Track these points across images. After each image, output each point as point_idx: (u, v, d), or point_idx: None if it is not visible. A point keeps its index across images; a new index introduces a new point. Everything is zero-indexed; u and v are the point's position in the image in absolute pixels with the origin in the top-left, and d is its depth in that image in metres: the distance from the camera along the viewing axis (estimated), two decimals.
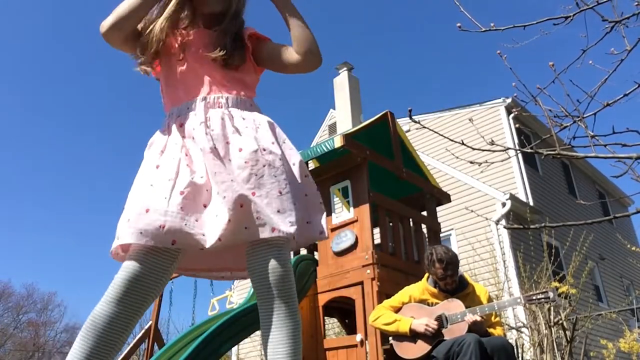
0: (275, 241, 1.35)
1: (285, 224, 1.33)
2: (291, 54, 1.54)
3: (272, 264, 1.33)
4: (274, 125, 1.52)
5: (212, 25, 1.59)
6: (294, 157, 1.48)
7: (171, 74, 1.55)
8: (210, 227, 1.31)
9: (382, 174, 4.61)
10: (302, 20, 1.55)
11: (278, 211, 1.34)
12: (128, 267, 1.30)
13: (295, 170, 1.46)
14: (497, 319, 3.26)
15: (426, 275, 3.34)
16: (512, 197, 10.02)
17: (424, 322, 3.04)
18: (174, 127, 1.46)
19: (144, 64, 1.56)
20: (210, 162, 1.37)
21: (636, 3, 1.64)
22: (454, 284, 3.18)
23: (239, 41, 1.56)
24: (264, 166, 1.38)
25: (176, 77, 1.54)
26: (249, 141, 1.41)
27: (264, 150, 1.41)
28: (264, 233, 1.31)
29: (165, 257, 1.32)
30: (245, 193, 1.33)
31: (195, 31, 1.58)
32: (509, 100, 11.58)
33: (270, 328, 1.34)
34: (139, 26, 1.53)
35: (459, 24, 1.75)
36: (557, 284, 5.13)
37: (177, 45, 1.54)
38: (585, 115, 1.67)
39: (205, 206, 1.35)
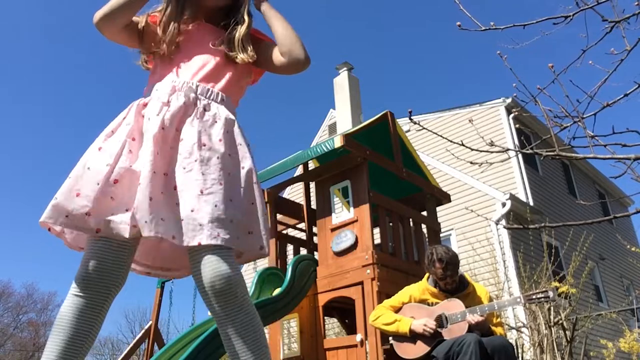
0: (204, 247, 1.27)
1: (197, 233, 1.25)
2: (277, 55, 1.53)
3: (203, 270, 1.27)
4: (234, 125, 1.45)
5: (215, 21, 1.60)
6: (246, 162, 1.41)
7: (163, 65, 1.54)
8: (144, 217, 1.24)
9: (382, 174, 4.61)
10: (285, 21, 1.54)
11: (192, 210, 1.27)
12: (85, 257, 1.30)
13: (243, 174, 1.38)
14: (498, 319, 3.26)
15: (426, 275, 3.34)
16: (512, 197, 10.02)
17: (423, 322, 3.04)
18: (134, 107, 1.43)
19: (146, 61, 1.58)
20: (154, 145, 1.32)
21: (636, 3, 1.64)
22: (454, 284, 3.18)
23: (246, 39, 1.56)
24: (195, 161, 1.32)
25: (166, 67, 1.52)
26: (192, 134, 1.36)
27: (204, 145, 1.35)
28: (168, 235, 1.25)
29: (115, 246, 1.29)
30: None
31: (198, 24, 1.58)
32: (509, 100, 11.58)
33: (230, 346, 1.30)
34: (141, 22, 1.54)
35: (458, 23, 1.75)
36: (557, 284, 5.13)
37: (177, 39, 1.54)
38: (585, 116, 1.67)
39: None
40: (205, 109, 1.42)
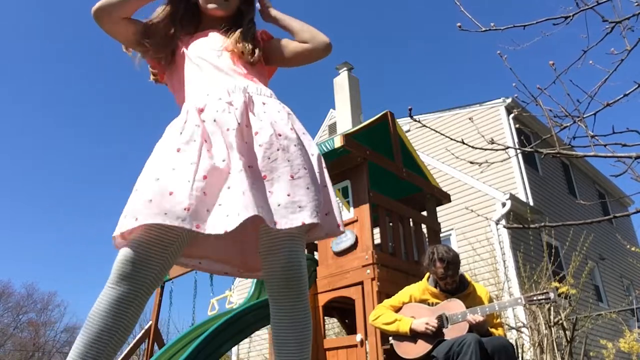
0: (288, 232, 1.32)
1: (298, 215, 1.29)
2: (296, 45, 1.59)
3: (287, 257, 1.32)
4: (293, 115, 1.52)
5: (220, 27, 1.63)
6: (313, 149, 1.47)
7: (185, 72, 1.55)
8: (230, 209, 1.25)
9: (382, 174, 4.61)
10: (298, 20, 1.62)
11: (288, 195, 1.30)
12: (138, 244, 1.24)
13: (314, 160, 1.44)
14: (498, 320, 3.25)
15: (427, 275, 3.34)
16: (512, 197, 10.02)
17: (424, 321, 3.04)
18: (193, 112, 1.43)
19: (154, 71, 1.63)
20: (236, 140, 1.34)
21: (636, 3, 1.64)
22: (454, 284, 3.18)
23: (254, 40, 1.61)
24: (277, 150, 1.36)
25: (192, 74, 1.54)
26: (266, 126, 1.40)
27: (280, 135, 1.39)
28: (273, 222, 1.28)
29: (179, 240, 1.29)
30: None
31: (209, 31, 1.62)
32: (509, 100, 11.58)
33: (280, 327, 1.34)
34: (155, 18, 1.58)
35: (459, 24, 1.75)
36: (557, 284, 5.13)
37: (189, 45, 1.57)
38: (585, 116, 1.67)
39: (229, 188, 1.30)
40: (264, 103, 1.47)
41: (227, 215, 1.22)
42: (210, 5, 1.59)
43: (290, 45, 1.60)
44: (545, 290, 3.05)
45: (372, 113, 8.36)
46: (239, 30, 1.57)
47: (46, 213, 47.44)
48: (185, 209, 1.22)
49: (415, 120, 1.77)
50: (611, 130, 1.62)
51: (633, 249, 7.61)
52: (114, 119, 50.98)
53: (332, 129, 14.13)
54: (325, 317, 4.22)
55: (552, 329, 5.05)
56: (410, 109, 1.65)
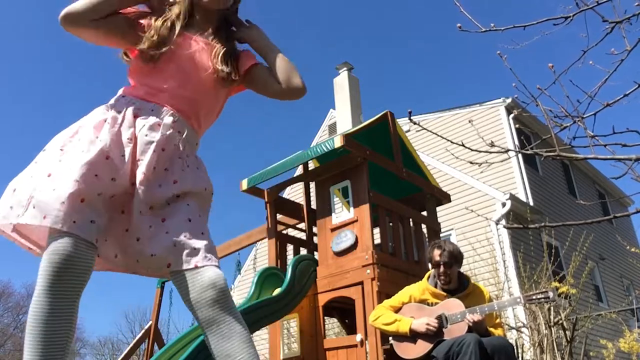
0: None
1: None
2: (273, 83, 1.54)
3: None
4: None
5: (207, 26, 1.57)
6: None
7: (151, 69, 1.48)
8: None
9: (382, 174, 4.61)
10: (279, 51, 1.56)
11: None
12: (60, 251, 1.21)
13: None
14: (498, 320, 3.26)
15: (427, 274, 3.35)
16: (512, 197, 10.02)
17: (424, 321, 3.04)
18: (130, 117, 1.39)
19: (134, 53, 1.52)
20: (157, 162, 1.35)
21: (637, 4, 1.64)
22: (448, 278, 3.18)
23: (234, 57, 1.55)
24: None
25: (153, 74, 1.48)
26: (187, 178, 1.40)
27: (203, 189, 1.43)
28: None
29: (92, 250, 1.27)
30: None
31: (195, 35, 1.54)
32: (509, 101, 11.58)
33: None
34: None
35: (459, 25, 1.75)
36: (557, 284, 5.13)
37: (173, 43, 1.48)
38: (585, 116, 1.67)
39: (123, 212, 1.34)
40: (186, 140, 1.45)
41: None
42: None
43: (267, 79, 1.55)
44: (544, 290, 3.05)
45: (372, 113, 8.37)
46: (223, 51, 1.52)
47: None
48: (91, 222, 1.27)
49: (415, 123, 1.78)
50: (611, 130, 1.62)
51: (633, 249, 7.61)
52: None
53: (332, 129, 14.13)
54: (325, 317, 4.22)
55: (552, 329, 5.05)
56: (409, 112, 1.65)
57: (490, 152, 1.74)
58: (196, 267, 1.27)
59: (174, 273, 1.30)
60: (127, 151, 1.35)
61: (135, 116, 1.40)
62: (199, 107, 1.51)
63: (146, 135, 1.37)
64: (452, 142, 1.78)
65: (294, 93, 1.54)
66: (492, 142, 1.80)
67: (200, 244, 1.30)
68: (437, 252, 3.18)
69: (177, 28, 1.49)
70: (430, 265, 3.32)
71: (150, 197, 1.33)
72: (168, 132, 1.40)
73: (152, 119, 1.40)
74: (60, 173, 1.27)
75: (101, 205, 1.29)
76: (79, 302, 1.27)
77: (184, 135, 1.44)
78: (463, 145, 1.73)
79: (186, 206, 1.36)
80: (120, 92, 1.50)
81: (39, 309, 1.20)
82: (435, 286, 3.24)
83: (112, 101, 1.47)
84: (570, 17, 1.71)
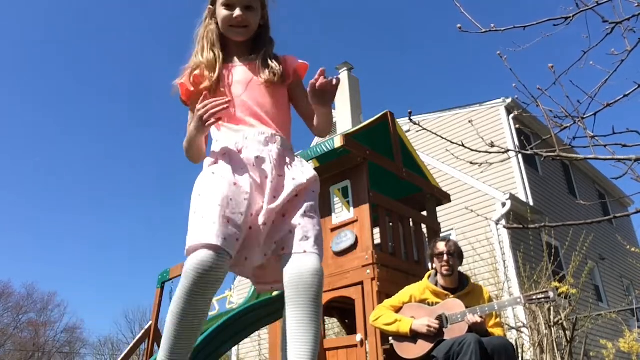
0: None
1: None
2: (309, 120, 1.79)
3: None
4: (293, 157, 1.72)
5: (248, 53, 1.77)
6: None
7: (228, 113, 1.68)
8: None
9: (382, 174, 4.61)
10: (331, 114, 1.77)
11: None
12: (206, 262, 1.41)
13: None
14: (498, 320, 3.26)
15: (427, 274, 3.35)
16: (512, 197, 10.02)
17: (424, 322, 3.04)
18: (237, 152, 1.62)
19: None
20: (273, 187, 1.57)
21: (636, 4, 1.64)
22: (451, 270, 3.19)
23: (276, 61, 1.75)
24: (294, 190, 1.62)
25: (233, 115, 1.68)
26: (298, 175, 1.66)
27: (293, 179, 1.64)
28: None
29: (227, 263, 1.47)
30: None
31: (237, 65, 1.75)
32: (509, 101, 11.58)
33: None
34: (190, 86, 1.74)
35: (459, 25, 1.75)
36: (557, 284, 5.13)
37: (227, 81, 1.71)
38: (585, 116, 1.67)
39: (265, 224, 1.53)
40: (285, 155, 1.68)
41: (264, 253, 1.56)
42: (232, 33, 1.75)
43: (307, 111, 1.78)
44: (544, 290, 3.05)
45: (372, 113, 8.36)
46: (259, 60, 1.73)
47: (46, 213, 47.47)
48: (237, 240, 1.50)
49: (415, 123, 1.78)
50: (611, 130, 1.62)
51: (633, 249, 7.61)
52: (115, 121, 50.99)
53: (332, 129, 14.14)
54: (325, 317, 4.22)
55: (552, 329, 5.05)
56: (410, 112, 1.65)
57: (490, 153, 1.74)
58: (305, 252, 1.50)
59: (285, 255, 1.53)
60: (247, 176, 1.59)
61: (239, 151, 1.63)
62: (265, 112, 1.70)
63: (257, 157, 1.61)
64: (452, 142, 1.79)
65: (318, 135, 1.84)
66: (492, 142, 1.80)
67: (311, 233, 1.55)
68: (441, 243, 3.25)
69: (218, 65, 1.70)
70: (431, 259, 3.33)
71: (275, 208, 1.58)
72: (267, 148, 1.64)
73: (252, 145, 1.63)
74: (204, 207, 1.51)
75: (240, 222, 1.50)
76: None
77: (276, 143, 1.66)
78: (463, 145, 1.74)
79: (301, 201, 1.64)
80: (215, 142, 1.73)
81: (181, 307, 1.41)
82: (436, 284, 3.25)
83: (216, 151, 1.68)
84: (570, 17, 1.71)
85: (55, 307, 33.90)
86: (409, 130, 11.27)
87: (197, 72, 1.70)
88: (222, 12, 1.72)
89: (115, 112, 50.01)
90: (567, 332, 5.07)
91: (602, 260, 12.96)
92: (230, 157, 1.61)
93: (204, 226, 1.43)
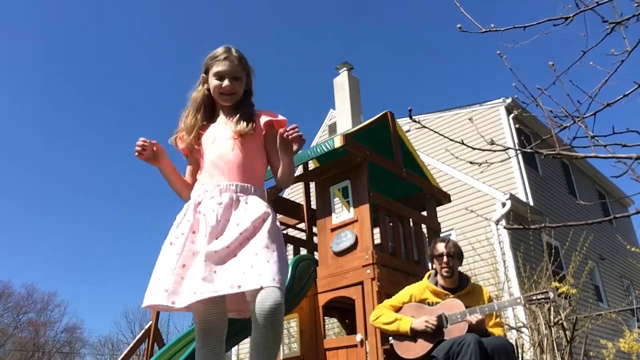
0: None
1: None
2: (275, 174, 2.03)
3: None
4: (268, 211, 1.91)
5: (230, 115, 2.04)
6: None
7: (200, 160, 2.03)
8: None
9: (382, 174, 4.61)
10: (292, 162, 1.99)
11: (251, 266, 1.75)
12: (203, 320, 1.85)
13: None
14: (498, 319, 3.26)
15: (427, 274, 3.35)
16: (512, 197, 10.02)
17: (424, 319, 3.04)
18: (191, 207, 1.91)
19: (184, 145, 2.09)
20: (217, 231, 1.82)
21: (636, 4, 1.64)
22: (451, 271, 3.19)
23: (250, 117, 2.03)
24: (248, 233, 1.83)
25: (201, 165, 2.02)
26: (242, 218, 1.85)
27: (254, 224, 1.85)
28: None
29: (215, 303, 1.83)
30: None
31: (216, 124, 2.05)
32: (509, 100, 11.58)
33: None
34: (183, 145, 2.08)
35: (459, 25, 1.75)
36: (557, 284, 5.13)
37: (202, 140, 2.02)
38: (585, 116, 1.67)
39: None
40: (246, 201, 1.91)
41: (193, 292, 1.71)
42: (221, 99, 2.05)
43: (272, 161, 2.04)
44: (544, 290, 3.05)
45: (372, 113, 8.36)
46: (238, 115, 2.01)
47: (46, 213, 47.46)
48: (165, 290, 1.76)
49: (415, 121, 1.77)
50: (611, 130, 1.62)
51: (633, 249, 7.60)
52: (116, 123, 50.99)
53: (332, 129, 14.13)
54: (325, 317, 4.22)
55: (552, 329, 5.05)
56: (410, 110, 1.65)
57: (490, 151, 1.74)
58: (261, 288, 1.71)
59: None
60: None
61: (199, 203, 1.92)
62: (234, 166, 1.96)
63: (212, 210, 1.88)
64: (452, 140, 1.78)
65: (277, 185, 2.07)
66: (492, 140, 1.80)
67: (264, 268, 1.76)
68: (441, 244, 3.24)
69: (195, 130, 2.03)
70: (431, 260, 3.33)
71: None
72: (219, 198, 1.90)
73: (208, 197, 1.92)
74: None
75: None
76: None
77: (229, 192, 1.91)
78: (463, 143, 1.73)
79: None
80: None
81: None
82: (436, 284, 3.25)
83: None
84: (570, 17, 1.71)
85: (55, 307, 33.92)
86: (409, 130, 11.27)
87: (182, 133, 2.06)
88: (213, 81, 2.02)
89: (120, 116, 50.02)
90: (567, 332, 5.07)
91: (602, 260, 12.95)
92: (187, 211, 1.93)
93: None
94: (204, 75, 2.08)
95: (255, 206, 1.88)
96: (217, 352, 1.82)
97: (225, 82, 2.00)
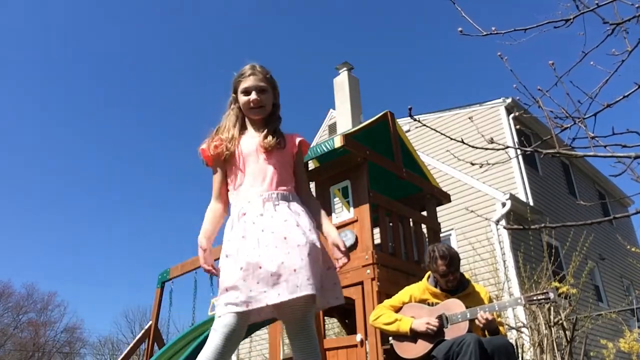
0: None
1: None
2: (302, 189, 2.18)
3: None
4: (302, 213, 2.03)
5: (260, 128, 2.14)
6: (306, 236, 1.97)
7: (237, 172, 2.10)
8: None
9: (382, 174, 4.61)
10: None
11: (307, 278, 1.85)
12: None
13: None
14: (499, 319, 3.26)
15: (427, 274, 3.34)
16: (512, 197, 10.02)
17: (424, 321, 3.04)
18: (236, 219, 2.00)
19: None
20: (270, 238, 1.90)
21: (637, 5, 1.64)
22: (455, 282, 3.18)
23: (277, 130, 2.15)
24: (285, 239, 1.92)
25: (238, 176, 2.09)
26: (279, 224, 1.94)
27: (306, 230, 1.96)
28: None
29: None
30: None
31: (250, 138, 2.13)
32: (509, 100, 11.58)
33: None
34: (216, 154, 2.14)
35: (460, 29, 1.75)
36: (557, 284, 5.13)
37: (238, 151, 2.09)
38: (585, 117, 1.67)
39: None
40: (290, 207, 2.02)
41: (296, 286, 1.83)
42: (251, 113, 2.15)
43: (298, 179, 2.18)
44: (545, 290, 3.05)
45: (372, 113, 8.36)
46: (266, 130, 2.12)
47: (46, 213, 47.45)
48: (239, 300, 1.85)
49: (415, 120, 1.77)
50: (611, 131, 1.62)
51: (633, 249, 7.60)
52: (116, 123, 50.99)
53: (332, 129, 14.13)
54: (325, 317, 4.22)
55: (552, 329, 5.05)
56: (410, 109, 1.65)
57: (490, 150, 1.74)
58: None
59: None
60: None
61: (243, 214, 2.01)
62: (273, 176, 2.07)
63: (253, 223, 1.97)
64: (452, 139, 1.78)
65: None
66: (492, 139, 1.80)
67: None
68: (441, 263, 3.12)
69: (233, 142, 2.11)
70: (431, 271, 3.29)
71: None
72: (264, 207, 2.01)
73: (253, 207, 2.02)
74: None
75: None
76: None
77: (272, 201, 2.02)
78: (463, 142, 1.73)
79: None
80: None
81: None
82: (436, 286, 3.24)
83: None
84: (570, 19, 1.71)
85: (55, 307, 33.93)
86: (409, 130, 11.28)
87: (216, 143, 2.12)
88: (242, 98, 2.13)
89: (120, 117, 50.01)
90: (567, 332, 5.07)
91: (602, 260, 12.95)
92: (233, 224, 2.01)
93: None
94: (233, 95, 2.21)
95: (298, 211, 2.01)
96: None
97: (253, 96, 2.11)
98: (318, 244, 1.95)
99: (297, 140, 2.19)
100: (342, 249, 2.17)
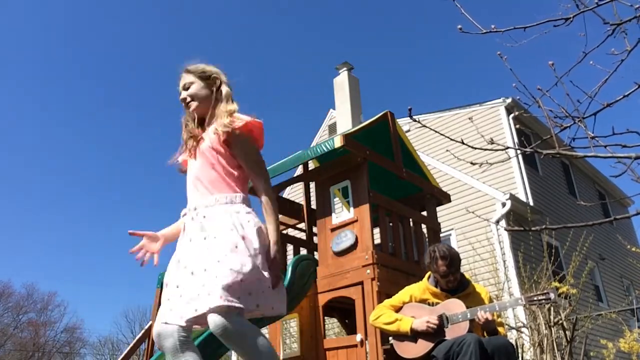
0: None
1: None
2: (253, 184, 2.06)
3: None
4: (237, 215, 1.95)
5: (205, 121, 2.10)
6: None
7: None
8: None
9: (382, 174, 4.61)
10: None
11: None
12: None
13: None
14: (499, 319, 3.25)
15: (427, 274, 3.34)
16: (512, 197, 10.02)
17: (425, 319, 3.04)
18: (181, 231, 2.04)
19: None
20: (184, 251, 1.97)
21: (637, 6, 1.64)
22: (455, 282, 3.17)
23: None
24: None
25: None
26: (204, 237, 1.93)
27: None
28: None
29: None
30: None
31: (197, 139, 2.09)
32: (509, 100, 11.58)
33: None
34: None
35: (459, 26, 1.75)
36: (557, 284, 5.12)
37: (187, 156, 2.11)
38: (585, 116, 1.67)
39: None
40: (204, 216, 1.96)
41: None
42: (189, 111, 2.14)
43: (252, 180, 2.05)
44: (545, 291, 3.05)
45: (372, 113, 8.36)
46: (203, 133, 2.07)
47: (46, 213, 47.44)
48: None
49: (415, 121, 1.77)
50: (611, 131, 1.62)
51: (633, 249, 7.60)
52: (116, 123, 50.96)
53: (332, 129, 14.12)
54: (325, 317, 4.22)
55: (552, 329, 5.05)
56: (410, 109, 1.65)
57: (490, 150, 1.74)
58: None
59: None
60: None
61: (183, 229, 2.08)
62: (200, 180, 2.01)
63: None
64: (451, 139, 1.78)
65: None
66: (492, 139, 1.80)
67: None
68: (442, 263, 3.12)
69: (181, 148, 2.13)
70: (431, 271, 3.29)
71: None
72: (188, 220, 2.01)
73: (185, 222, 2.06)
74: None
75: None
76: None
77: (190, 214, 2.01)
78: (463, 142, 1.73)
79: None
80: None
81: None
82: (436, 286, 3.24)
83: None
84: (570, 18, 1.71)
85: (55, 307, 33.94)
86: (409, 130, 11.27)
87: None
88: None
89: (121, 118, 49.98)
90: (567, 332, 5.07)
91: (602, 260, 12.95)
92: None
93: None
94: None
95: (212, 220, 1.92)
96: None
97: (181, 95, 2.12)
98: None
99: (219, 129, 1.97)
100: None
